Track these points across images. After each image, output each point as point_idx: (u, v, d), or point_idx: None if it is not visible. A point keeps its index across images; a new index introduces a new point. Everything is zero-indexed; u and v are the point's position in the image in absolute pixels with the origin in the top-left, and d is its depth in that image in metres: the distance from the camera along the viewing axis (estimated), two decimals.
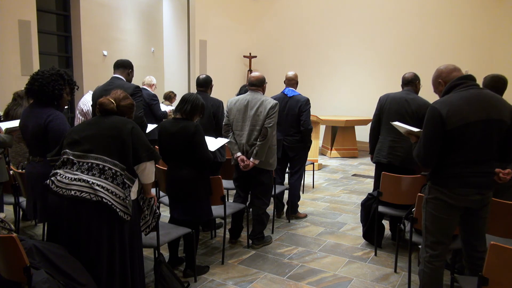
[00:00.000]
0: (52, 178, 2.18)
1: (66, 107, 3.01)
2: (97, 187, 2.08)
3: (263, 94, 3.70)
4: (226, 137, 3.66)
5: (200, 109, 3.11)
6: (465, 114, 2.18)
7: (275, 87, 7.07)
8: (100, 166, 2.13)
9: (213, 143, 3.44)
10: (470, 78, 2.30)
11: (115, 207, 2.10)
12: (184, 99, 3.10)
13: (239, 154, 3.57)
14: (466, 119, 2.17)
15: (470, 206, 2.28)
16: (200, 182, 3.03)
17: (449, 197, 2.27)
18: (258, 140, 3.48)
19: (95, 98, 3.50)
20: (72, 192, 2.08)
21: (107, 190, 2.10)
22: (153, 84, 5.51)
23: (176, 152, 3.02)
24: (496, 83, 3.10)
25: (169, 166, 3.13)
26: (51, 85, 2.67)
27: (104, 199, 2.07)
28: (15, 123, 3.06)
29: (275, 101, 3.55)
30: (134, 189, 2.27)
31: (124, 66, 3.63)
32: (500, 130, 2.22)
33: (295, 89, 4.40)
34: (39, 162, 2.74)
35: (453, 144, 2.22)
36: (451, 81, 2.32)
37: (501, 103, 2.25)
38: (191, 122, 3.03)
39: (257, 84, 3.64)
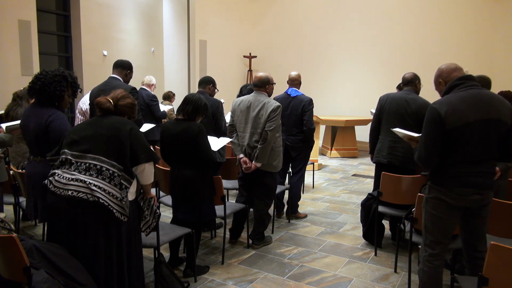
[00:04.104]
0: (50, 178, 2.18)
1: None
2: (94, 188, 2.07)
3: (269, 95, 3.64)
4: (230, 137, 3.64)
5: (203, 109, 3.07)
6: (464, 114, 2.17)
7: (275, 87, 7.06)
8: (98, 167, 2.13)
9: (216, 143, 3.42)
10: (470, 78, 2.29)
11: (111, 208, 2.10)
12: (186, 100, 3.07)
13: (241, 155, 3.55)
14: (465, 119, 2.17)
15: (470, 206, 2.28)
16: (203, 183, 3.03)
17: (448, 196, 2.27)
18: (259, 143, 3.45)
19: (92, 98, 3.50)
20: (69, 192, 2.08)
21: (104, 190, 2.09)
22: (152, 84, 5.47)
23: (179, 153, 3.01)
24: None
25: (173, 167, 3.11)
26: (52, 86, 2.67)
27: (100, 200, 2.07)
28: (17, 122, 3.06)
29: (277, 104, 3.47)
30: (132, 190, 2.26)
31: (122, 67, 3.63)
32: (499, 130, 2.21)
33: (298, 89, 4.39)
34: (40, 162, 2.74)
35: (453, 144, 2.22)
36: (451, 81, 2.32)
37: (501, 103, 2.24)
38: (194, 122, 3.01)
39: (259, 85, 3.59)
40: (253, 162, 3.48)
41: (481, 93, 2.24)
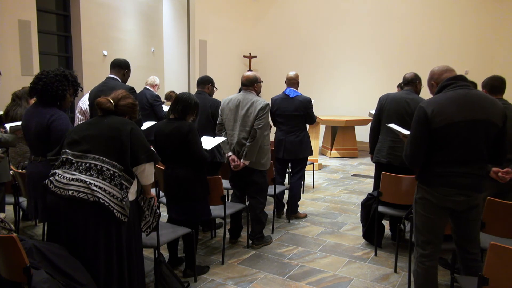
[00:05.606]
0: (50, 178, 2.18)
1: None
2: (94, 188, 2.07)
3: (257, 94, 3.67)
4: (219, 136, 3.66)
5: (193, 108, 3.07)
6: (449, 114, 2.16)
7: (275, 87, 7.08)
8: (98, 167, 2.13)
9: (210, 142, 3.43)
10: (460, 79, 2.27)
11: (112, 208, 2.10)
12: (176, 99, 3.10)
13: (230, 153, 3.58)
14: (450, 119, 2.16)
15: (454, 207, 2.25)
16: (197, 182, 3.03)
17: (432, 196, 2.26)
18: (248, 141, 3.47)
19: (90, 98, 3.50)
20: (70, 192, 2.08)
21: (104, 190, 2.09)
22: (156, 85, 5.49)
23: (172, 152, 3.02)
24: (495, 81, 3.12)
25: (166, 166, 3.13)
26: (54, 85, 2.68)
27: (101, 200, 2.07)
28: (20, 123, 3.07)
29: (266, 102, 3.52)
30: (132, 190, 2.26)
31: (120, 66, 3.61)
32: (488, 131, 2.18)
33: (297, 89, 4.38)
34: (41, 162, 2.74)
35: (438, 143, 2.21)
36: (441, 82, 2.31)
37: (491, 104, 2.20)
38: (184, 121, 3.02)
39: (247, 84, 3.62)
40: (242, 160, 3.50)
41: (470, 93, 2.21)
